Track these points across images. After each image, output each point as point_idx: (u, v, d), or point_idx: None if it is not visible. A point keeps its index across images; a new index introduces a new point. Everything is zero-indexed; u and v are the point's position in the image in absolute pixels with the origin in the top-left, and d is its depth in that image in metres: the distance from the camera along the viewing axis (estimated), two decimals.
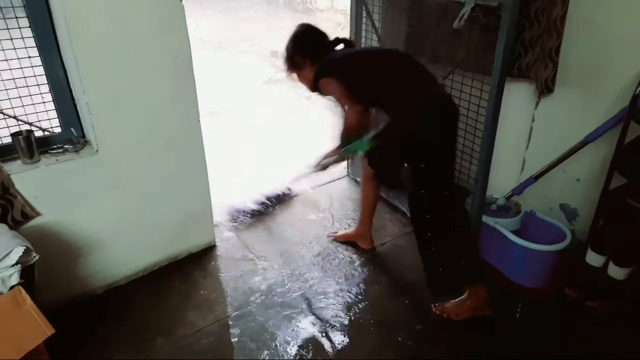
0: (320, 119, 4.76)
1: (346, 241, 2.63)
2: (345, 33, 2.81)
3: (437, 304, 2.13)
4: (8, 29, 1.83)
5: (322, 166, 2.40)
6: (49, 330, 1.55)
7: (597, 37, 2.02)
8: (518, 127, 2.40)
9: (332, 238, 2.66)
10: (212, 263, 2.50)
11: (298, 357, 1.92)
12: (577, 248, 2.16)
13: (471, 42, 2.28)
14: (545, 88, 2.16)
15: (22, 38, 1.86)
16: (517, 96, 2.33)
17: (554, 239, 2.15)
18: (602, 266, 1.96)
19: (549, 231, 2.25)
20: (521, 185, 2.35)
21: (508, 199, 2.38)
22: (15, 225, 1.85)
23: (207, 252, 2.58)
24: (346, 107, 2.13)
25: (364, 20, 2.86)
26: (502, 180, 2.50)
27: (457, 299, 2.09)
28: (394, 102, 1.99)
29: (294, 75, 2.27)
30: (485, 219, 2.26)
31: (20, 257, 1.57)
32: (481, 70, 2.19)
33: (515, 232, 2.20)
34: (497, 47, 1.88)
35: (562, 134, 2.22)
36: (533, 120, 2.34)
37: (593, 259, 1.97)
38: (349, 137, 2.19)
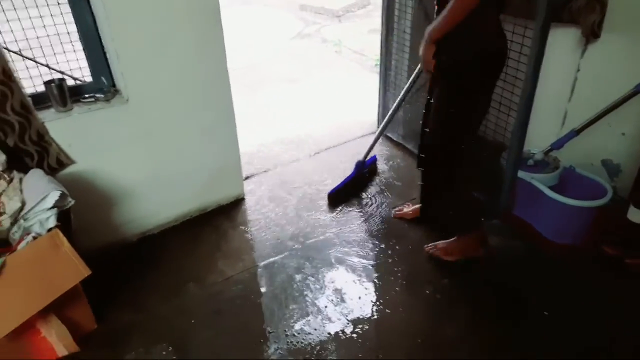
0: (349, 72, 4.66)
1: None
2: None
3: (429, 245, 2.18)
4: None
5: None
6: (85, 271, 1.61)
7: None
8: (561, 77, 2.26)
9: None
10: (241, 215, 2.52)
11: (326, 306, 1.94)
12: (619, 205, 2.06)
13: None
14: (592, 33, 2.01)
15: None
16: (562, 43, 2.19)
17: (593, 196, 2.06)
18: None
19: (589, 187, 2.15)
20: (561, 140, 2.23)
21: (546, 153, 2.28)
22: (51, 172, 1.89)
23: (236, 204, 2.60)
24: None
25: None
26: (540, 135, 2.39)
27: (448, 241, 2.14)
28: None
29: None
30: (521, 174, 2.18)
31: (57, 201, 1.61)
32: (525, 14, 2.05)
33: (553, 188, 2.12)
34: None
35: (609, 85, 2.08)
36: (578, 70, 2.20)
37: (635, 215, 1.88)
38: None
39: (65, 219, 1.71)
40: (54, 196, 1.60)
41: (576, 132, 2.19)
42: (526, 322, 1.85)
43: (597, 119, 2.11)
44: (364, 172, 2.73)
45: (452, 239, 2.14)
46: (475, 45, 1.68)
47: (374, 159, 2.88)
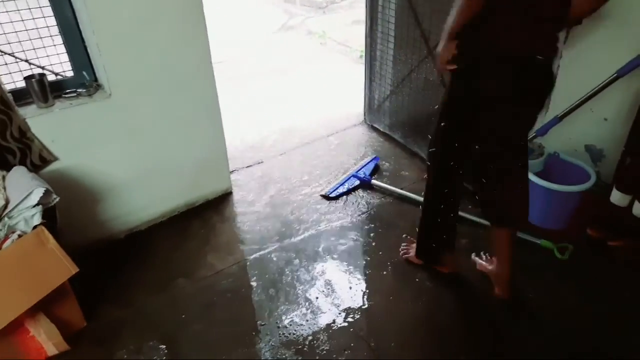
0: (334, 64, 4.65)
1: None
2: None
3: (404, 245, 2.14)
4: None
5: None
6: (73, 269, 1.59)
7: None
8: None
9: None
10: (229, 208, 2.51)
11: (317, 297, 1.95)
12: (602, 190, 2.10)
13: None
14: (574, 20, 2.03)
15: None
16: None
17: (578, 181, 2.09)
18: (627, 206, 1.91)
19: (573, 173, 2.18)
20: (545, 126, 2.26)
21: (531, 140, 2.31)
22: (34, 169, 1.86)
23: (224, 198, 2.59)
24: None
25: None
26: None
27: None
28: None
29: None
30: None
31: (41, 198, 1.58)
32: None
33: (538, 175, 2.15)
34: None
35: (591, 71, 2.11)
36: (560, 57, 2.22)
37: (618, 198, 1.92)
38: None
39: (50, 216, 1.68)
40: (38, 193, 1.58)
41: (559, 119, 2.22)
42: (514, 305, 1.88)
43: (579, 105, 2.14)
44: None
45: None
46: (486, 51, 1.50)
47: (377, 161, 2.85)
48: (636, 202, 1.86)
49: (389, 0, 2.71)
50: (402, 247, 2.16)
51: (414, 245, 2.09)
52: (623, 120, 2.06)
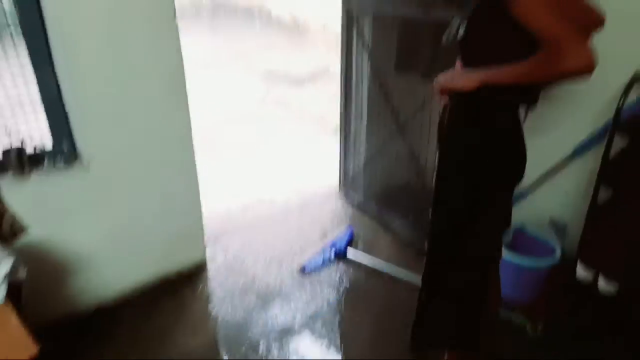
0: (311, 137, 4.80)
1: None
2: (337, 51, 2.88)
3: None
4: None
5: None
6: (34, 348, 1.51)
7: None
8: None
9: None
10: (203, 282, 2.46)
11: None
12: (567, 263, 2.16)
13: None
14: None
15: (15, 46, 1.86)
16: None
17: (544, 253, 2.15)
18: (592, 280, 1.97)
19: (539, 246, 2.25)
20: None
21: None
22: (3, 241, 1.82)
23: (198, 270, 2.54)
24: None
25: (354, 40, 2.91)
26: None
27: None
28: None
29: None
30: None
31: (10, 270, 1.54)
32: None
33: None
34: None
35: (548, 149, 2.25)
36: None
37: (582, 274, 1.97)
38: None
39: (15, 290, 1.62)
40: (7, 264, 1.54)
41: (524, 193, 2.32)
42: None
43: (541, 180, 2.26)
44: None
45: None
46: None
47: (352, 232, 2.87)
48: (601, 278, 1.92)
49: (362, 81, 2.89)
50: None
51: None
52: (582, 195, 2.17)
